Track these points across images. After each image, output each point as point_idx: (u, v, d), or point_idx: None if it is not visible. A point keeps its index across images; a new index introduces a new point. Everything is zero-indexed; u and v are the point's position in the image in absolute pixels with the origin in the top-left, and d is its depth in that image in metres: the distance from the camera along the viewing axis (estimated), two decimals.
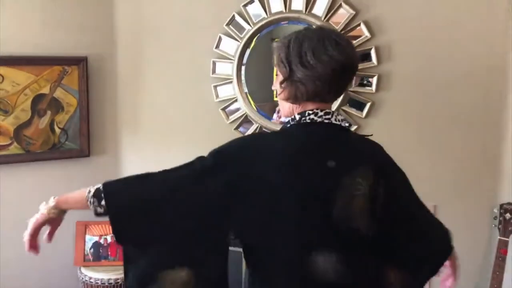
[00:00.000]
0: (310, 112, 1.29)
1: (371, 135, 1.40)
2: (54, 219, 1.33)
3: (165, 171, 1.28)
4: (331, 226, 1.24)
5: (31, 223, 1.31)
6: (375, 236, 1.32)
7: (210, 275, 1.29)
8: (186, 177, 1.26)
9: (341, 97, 2.33)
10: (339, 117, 1.32)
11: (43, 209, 1.31)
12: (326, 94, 1.29)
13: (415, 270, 1.41)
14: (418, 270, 1.42)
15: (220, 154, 1.27)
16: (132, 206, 1.26)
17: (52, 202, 1.32)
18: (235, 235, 1.29)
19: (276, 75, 1.35)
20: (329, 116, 1.29)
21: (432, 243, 1.44)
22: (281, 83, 1.32)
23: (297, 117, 1.31)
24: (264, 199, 1.22)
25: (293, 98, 1.31)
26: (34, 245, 1.32)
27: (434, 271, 1.45)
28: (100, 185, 1.27)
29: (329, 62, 1.24)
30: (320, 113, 1.29)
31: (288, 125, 1.33)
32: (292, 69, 1.27)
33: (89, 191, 1.26)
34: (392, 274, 1.37)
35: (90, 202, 1.26)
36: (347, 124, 1.34)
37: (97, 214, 1.27)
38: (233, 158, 1.26)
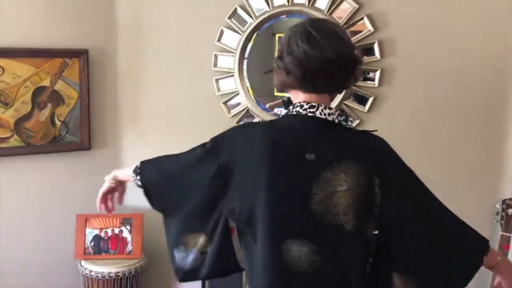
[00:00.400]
0: (298, 104, 1.32)
1: (376, 130, 1.35)
2: (117, 188, 1.61)
3: (178, 155, 1.46)
4: (309, 218, 1.25)
5: (100, 191, 1.60)
6: (380, 237, 1.31)
7: (220, 243, 1.40)
8: (188, 160, 1.42)
9: (343, 91, 2.33)
10: (326, 111, 1.29)
11: (106, 180, 1.60)
12: (298, 86, 1.31)
13: (422, 276, 1.30)
14: (428, 277, 1.31)
15: (216, 141, 1.38)
16: (154, 183, 1.48)
17: (111, 174, 1.59)
18: (230, 217, 1.36)
19: None
20: (314, 110, 1.29)
21: (448, 249, 1.32)
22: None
23: (290, 108, 1.34)
24: (247, 185, 1.30)
25: (275, 87, 1.40)
26: (105, 207, 1.62)
27: (456, 281, 1.33)
28: (139, 163, 1.51)
29: (297, 55, 1.27)
30: (305, 106, 1.30)
31: (280, 116, 1.39)
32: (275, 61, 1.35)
33: (131, 167, 1.50)
34: (394, 277, 1.31)
35: (131, 176, 1.50)
36: (349, 120, 1.33)
37: (138, 186, 1.50)
38: (225, 144, 1.36)
